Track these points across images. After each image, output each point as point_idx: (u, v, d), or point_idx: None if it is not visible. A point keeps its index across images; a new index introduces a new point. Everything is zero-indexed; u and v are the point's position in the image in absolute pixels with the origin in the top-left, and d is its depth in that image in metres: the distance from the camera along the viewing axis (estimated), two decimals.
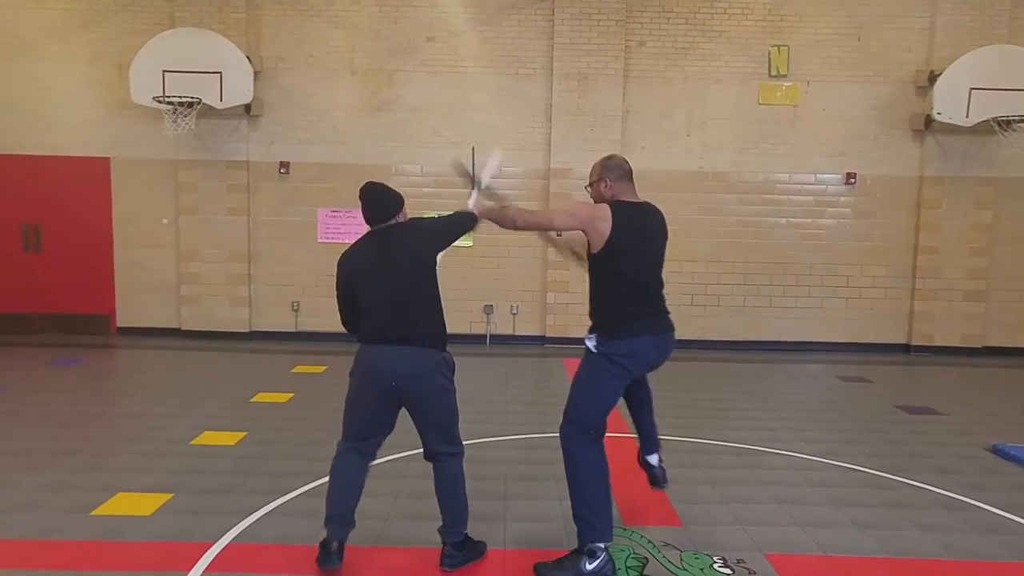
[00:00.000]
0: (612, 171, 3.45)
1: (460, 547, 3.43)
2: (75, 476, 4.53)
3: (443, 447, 3.38)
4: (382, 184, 3.49)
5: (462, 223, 3.55)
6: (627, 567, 3.46)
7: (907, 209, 9.48)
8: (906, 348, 9.59)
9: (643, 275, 3.37)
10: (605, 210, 3.32)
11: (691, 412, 6.36)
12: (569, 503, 3.40)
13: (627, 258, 3.31)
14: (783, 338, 9.60)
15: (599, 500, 3.32)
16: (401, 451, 4.73)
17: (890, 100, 9.38)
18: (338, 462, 3.39)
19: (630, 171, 3.50)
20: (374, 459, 3.49)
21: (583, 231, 3.37)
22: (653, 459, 3.84)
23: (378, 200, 3.41)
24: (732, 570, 3.48)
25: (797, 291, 9.57)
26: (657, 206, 3.52)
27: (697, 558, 3.59)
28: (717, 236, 9.45)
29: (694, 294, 9.42)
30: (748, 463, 5.04)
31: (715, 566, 3.52)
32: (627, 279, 3.32)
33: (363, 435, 3.39)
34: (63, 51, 9.29)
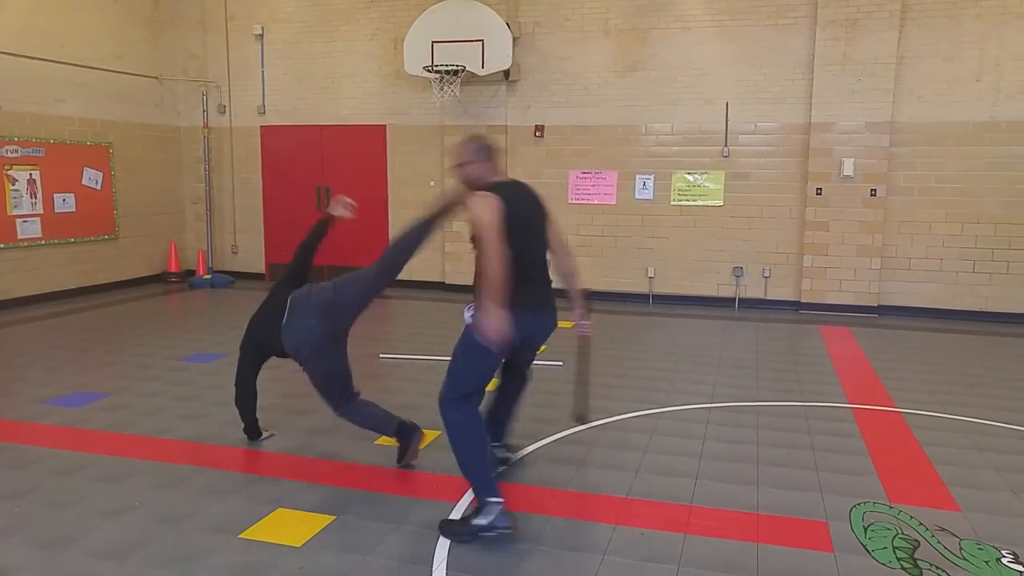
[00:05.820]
0: (478, 152, 3.60)
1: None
2: None
3: None
4: None
5: None
6: (894, 547, 3.30)
7: None
8: None
9: (527, 252, 3.46)
10: (496, 201, 3.33)
11: (971, 390, 5.79)
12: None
13: (514, 237, 3.32)
14: None
15: (475, 462, 3.45)
16: (650, 408, 4.88)
17: None
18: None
19: (493, 149, 3.65)
20: None
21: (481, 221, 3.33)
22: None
23: None
24: None
25: None
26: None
27: (981, 549, 3.31)
28: (1010, 194, 8.26)
29: (976, 260, 8.32)
30: None
31: (1004, 560, 3.21)
32: (512, 258, 3.31)
33: None
34: (350, 30, 10.42)
